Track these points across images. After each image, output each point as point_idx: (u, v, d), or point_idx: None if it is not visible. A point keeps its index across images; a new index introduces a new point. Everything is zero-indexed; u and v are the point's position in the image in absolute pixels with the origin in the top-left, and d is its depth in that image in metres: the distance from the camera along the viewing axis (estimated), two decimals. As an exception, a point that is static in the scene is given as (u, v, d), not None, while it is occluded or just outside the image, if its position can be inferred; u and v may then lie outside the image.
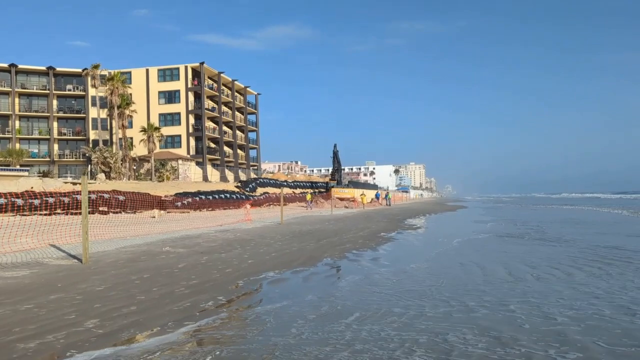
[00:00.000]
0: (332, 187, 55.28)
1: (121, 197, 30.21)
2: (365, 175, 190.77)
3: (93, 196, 28.79)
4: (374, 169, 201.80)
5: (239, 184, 46.37)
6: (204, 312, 6.22)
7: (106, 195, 29.56)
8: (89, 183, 39.58)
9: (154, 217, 27.33)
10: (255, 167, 73.98)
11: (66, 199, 26.77)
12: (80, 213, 27.23)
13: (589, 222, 26.75)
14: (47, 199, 25.84)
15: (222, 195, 37.94)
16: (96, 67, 48.50)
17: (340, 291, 7.59)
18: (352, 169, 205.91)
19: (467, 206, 61.93)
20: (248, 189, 44.59)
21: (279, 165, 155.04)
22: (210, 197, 36.13)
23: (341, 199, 52.26)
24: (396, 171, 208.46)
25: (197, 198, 35.04)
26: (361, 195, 52.14)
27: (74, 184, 37.37)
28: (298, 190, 56.31)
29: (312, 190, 53.03)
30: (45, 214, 24.89)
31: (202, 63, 58.73)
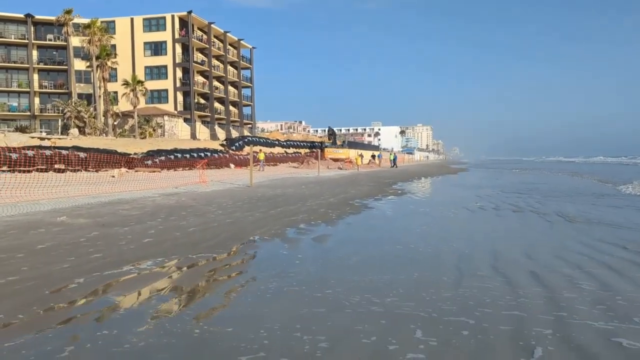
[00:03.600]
0: (326, 146, 52.20)
1: (82, 155, 27.34)
2: (370, 136, 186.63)
3: (48, 152, 25.93)
4: (379, 129, 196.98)
5: (224, 142, 43.31)
6: None
7: (65, 152, 26.68)
8: (59, 138, 36.71)
9: (114, 176, 24.50)
10: (250, 125, 70.63)
11: (14, 155, 23.86)
12: (29, 171, 24.54)
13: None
14: (-11, 155, 22.93)
15: (202, 154, 34.96)
16: (69, 12, 44.68)
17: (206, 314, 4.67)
18: (356, 129, 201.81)
19: (468, 169, 58.67)
20: (234, 148, 41.60)
21: (282, 125, 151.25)
22: (187, 156, 33.19)
23: (335, 160, 49.22)
24: (402, 132, 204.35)
25: (172, 156, 32.12)
26: (357, 156, 49.05)
27: (42, 139, 34.47)
28: (291, 150, 53.29)
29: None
30: (-14, 172, 22.16)
31: (189, 12, 54.68)
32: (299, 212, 12.14)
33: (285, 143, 54.31)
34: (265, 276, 5.77)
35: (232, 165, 37.67)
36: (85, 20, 48.14)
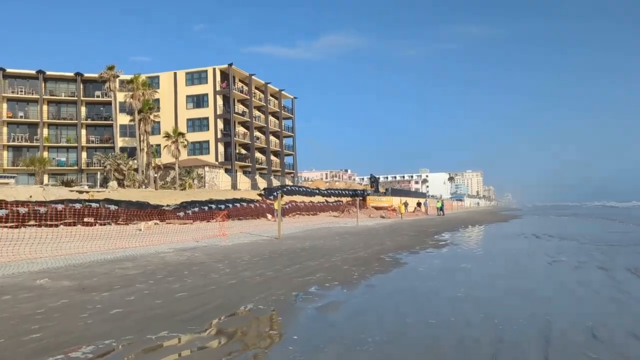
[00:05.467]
0: (368, 194, 50.51)
1: (113, 207, 26.74)
2: (417, 183, 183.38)
3: (78, 205, 25.45)
4: (427, 176, 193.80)
5: (262, 192, 42.33)
6: None
7: (94, 205, 26.17)
8: (98, 191, 36.70)
9: (141, 229, 23.58)
10: (292, 175, 69.97)
11: (42, 209, 23.39)
12: (57, 225, 23.98)
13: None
14: (18, 209, 22.53)
15: (237, 204, 33.98)
16: (111, 68, 45.89)
17: None
18: (403, 176, 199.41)
19: (521, 215, 55.30)
20: (272, 197, 40.46)
21: (326, 173, 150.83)
22: (222, 206, 32.17)
23: (377, 208, 47.35)
24: (451, 179, 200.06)
25: (206, 207, 31.20)
26: (401, 204, 47.01)
27: (80, 192, 34.44)
28: (332, 199, 51.77)
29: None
30: (12, 226, 21.72)
31: (230, 64, 55.39)
32: (318, 269, 10.48)
33: (325, 192, 52.88)
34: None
35: (269, 216, 36.45)
36: (129, 76, 49.36)
